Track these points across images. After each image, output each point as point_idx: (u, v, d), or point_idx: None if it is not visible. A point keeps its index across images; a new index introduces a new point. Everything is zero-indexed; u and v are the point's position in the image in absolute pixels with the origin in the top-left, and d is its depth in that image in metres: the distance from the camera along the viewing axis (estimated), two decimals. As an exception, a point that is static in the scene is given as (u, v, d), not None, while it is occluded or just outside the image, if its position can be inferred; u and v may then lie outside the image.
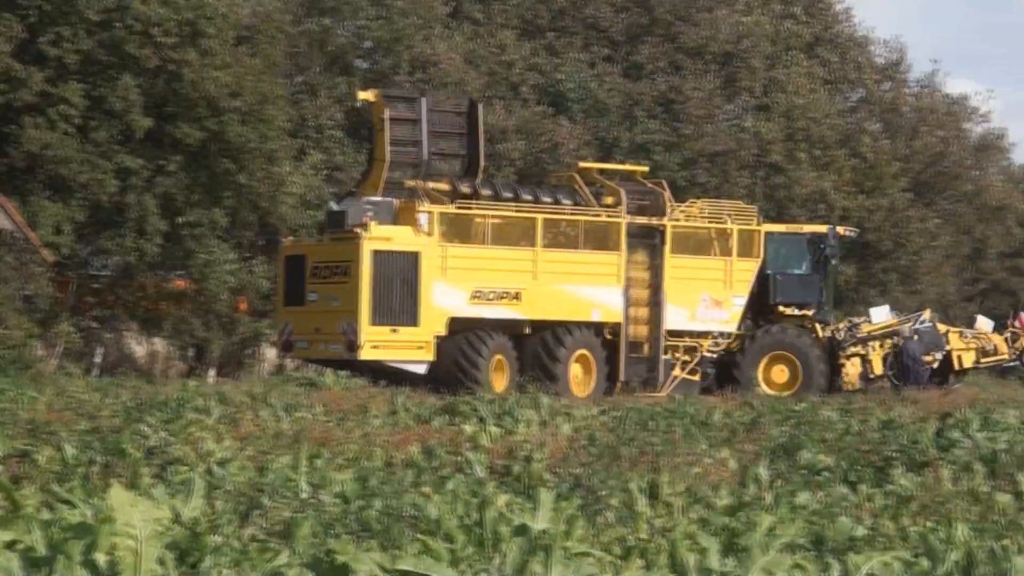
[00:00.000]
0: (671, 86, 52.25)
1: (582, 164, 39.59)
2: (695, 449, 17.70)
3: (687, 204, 38.90)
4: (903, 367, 38.43)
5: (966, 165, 61.49)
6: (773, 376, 37.91)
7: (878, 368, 38.75)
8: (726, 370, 37.52)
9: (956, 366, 40.11)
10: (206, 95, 38.03)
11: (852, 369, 38.61)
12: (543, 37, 53.28)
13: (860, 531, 11.11)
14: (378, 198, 35.00)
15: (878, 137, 56.75)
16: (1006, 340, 40.77)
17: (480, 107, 37.29)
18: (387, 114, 35.19)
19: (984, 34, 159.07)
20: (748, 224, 38.62)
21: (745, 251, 38.28)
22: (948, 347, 39.91)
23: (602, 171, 39.09)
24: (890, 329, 39.39)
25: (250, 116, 38.71)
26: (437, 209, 34.56)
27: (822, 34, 58.03)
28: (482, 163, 36.59)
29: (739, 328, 38.06)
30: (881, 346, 39.05)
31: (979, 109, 63.73)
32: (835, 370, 38.39)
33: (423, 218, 34.22)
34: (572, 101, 51.34)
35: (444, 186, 35.36)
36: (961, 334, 40.58)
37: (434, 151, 35.90)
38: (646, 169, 40.10)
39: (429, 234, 34.25)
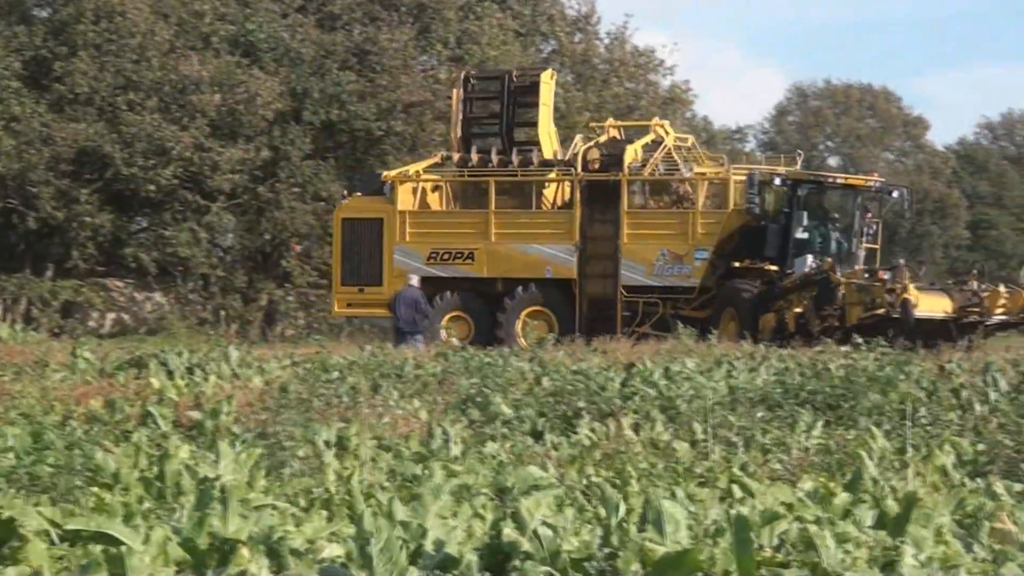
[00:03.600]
0: (366, 37, 52.01)
1: (593, 123, 40.85)
2: (386, 400, 17.61)
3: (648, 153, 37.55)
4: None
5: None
6: (731, 329, 34.71)
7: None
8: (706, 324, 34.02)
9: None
10: None
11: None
12: (234, -14, 52.41)
13: (545, 480, 11.13)
14: (387, 171, 39.67)
15: (570, 88, 57.42)
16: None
17: (549, 75, 39.28)
18: (454, 93, 38.89)
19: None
20: (717, 173, 37.16)
21: (714, 202, 36.86)
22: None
23: (620, 128, 39.66)
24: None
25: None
26: (398, 179, 37.79)
27: (514, -14, 58.38)
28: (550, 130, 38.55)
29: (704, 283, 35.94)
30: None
31: (665, 62, 64.86)
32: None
33: (387, 187, 37.67)
34: (264, 52, 50.71)
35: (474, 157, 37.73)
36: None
37: (516, 122, 38.47)
38: (665, 124, 39.55)
39: (391, 202, 37.42)
